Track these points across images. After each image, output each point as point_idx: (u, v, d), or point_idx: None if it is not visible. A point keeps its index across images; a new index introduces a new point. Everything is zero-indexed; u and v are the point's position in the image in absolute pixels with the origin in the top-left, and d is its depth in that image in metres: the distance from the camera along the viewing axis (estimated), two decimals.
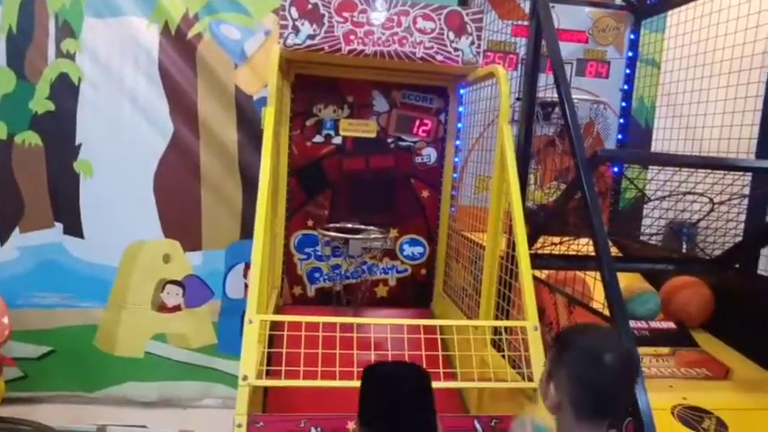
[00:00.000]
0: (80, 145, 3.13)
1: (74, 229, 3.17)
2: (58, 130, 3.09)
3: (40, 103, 3.06)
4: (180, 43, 3.11)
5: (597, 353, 1.18)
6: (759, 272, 2.33)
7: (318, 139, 2.89)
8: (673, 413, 1.76)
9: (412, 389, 1.33)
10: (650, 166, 2.55)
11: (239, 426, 1.59)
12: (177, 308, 3.30)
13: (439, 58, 2.44)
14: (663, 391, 1.86)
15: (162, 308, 3.29)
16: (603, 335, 1.33)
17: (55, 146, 3.11)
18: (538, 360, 1.81)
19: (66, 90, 3.07)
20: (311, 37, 2.36)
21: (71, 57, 3.06)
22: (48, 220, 3.16)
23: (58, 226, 3.17)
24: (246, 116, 3.20)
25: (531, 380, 1.80)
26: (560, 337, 1.31)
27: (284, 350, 1.75)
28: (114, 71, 3.10)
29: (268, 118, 2.14)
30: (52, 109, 3.07)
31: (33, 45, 3.02)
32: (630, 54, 3.18)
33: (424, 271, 3.07)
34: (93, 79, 3.09)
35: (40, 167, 3.11)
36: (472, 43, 2.46)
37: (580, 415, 1.19)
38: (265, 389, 2.28)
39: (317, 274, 3.00)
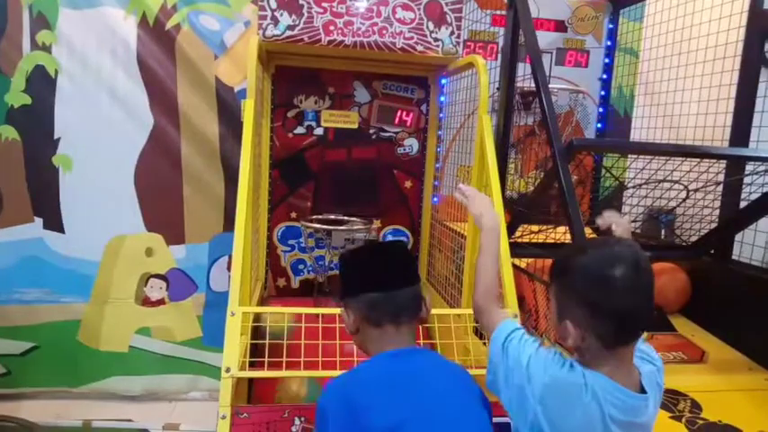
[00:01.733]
0: (59, 139, 3.09)
1: (54, 223, 3.14)
2: (36, 124, 3.05)
3: (16, 97, 3.01)
4: (158, 34, 3.07)
5: (604, 271, 1.04)
6: (733, 257, 2.38)
7: (300, 130, 2.89)
8: None
9: (397, 252, 1.38)
10: (628, 155, 2.58)
11: (223, 417, 1.60)
12: (161, 301, 3.29)
13: (419, 48, 2.44)
14: None
15: (146, 302, 3.27)
16: (604, 248, 1.11)
17: (33, 140, 3.06)
18: None
19: (42, 83, 3.02)
20: (290, 28, 2.35)
21: (47, 49, 3.01)
22: (27, 215, 3.12)
23: (38, 221, 3.13)
24: (228, 108, 3.17)
25: None
26: (558, 265, 1.17)
27: (267, 341, 1.76)
28: (92, 63, 3.05)
29: (248, 110, 2.13)
30: (29, 102, 3.02)
31: (6, 37, 2.96)
32: (609, 43, 3.21)
33: None
34: (70, 72, 3.04)
35: (18, 162, 3.06)
36: (452, 33, 2.46)
37: (608, 343, 1.07)
38: (250, 381, 2.30)
39: (300, 266, 3.01)
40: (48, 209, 3.13)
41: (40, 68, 3.01)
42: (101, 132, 3.11)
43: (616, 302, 1.04)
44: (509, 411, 1.17)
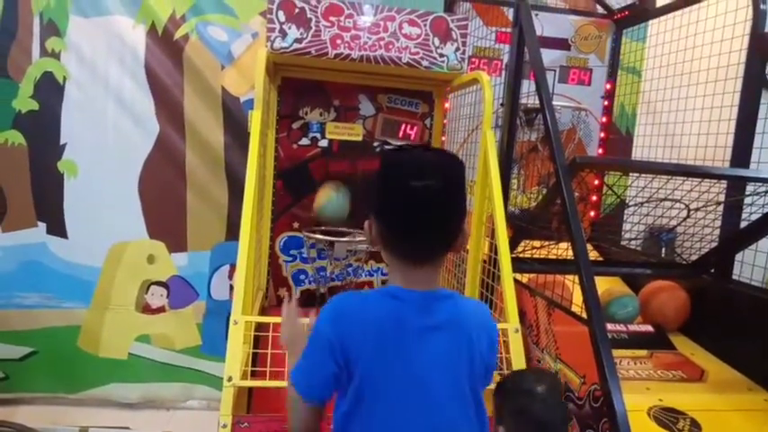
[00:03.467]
0: (65, 145, 3.11)
1: (57, 229, 3.15)
2: (42, 130, 3.07)
3: (24, 102, 3.03)
4: (166, 44, 3.11)
5: (530, 386, 1.38)
6: (733, 276, 2.40)
7: (305, 141, 2.91)
8: (648, 414, 1.81)
9: (449, 173, 1.09)
10: (629, 173, 2.60)
11: (224, 426, 1.60)
12: (161, 309, 3.29)
13: (424, 63, 2.47)
14: (639, 393, 1.91)
15: (146, 309, 3.28)
16: (533, 374, 1.52)
17: (39, 145, 3.08)
18: (519, 361, 1.85)
19: (50, 89, 3.05)
20: (298, 41, 2.38)
21: (56, 56, 3.04)
22: (31, 219, 3.14)
23: (42, 226, 3.14)
24: (233, 118, 3.20)
25: None
26: (500, 385, 1.45)
27: (269, 351, 1.77)
28: (100, 71, 3.09)
29: (255, 121, 2.15)
30: (36, 108, 3.05)
31: (17, 43, 3.00)
32: (612, 62, 3.25)
33: None
34: (78, 78, 3.07)
35: (24, 167, 3.08)
36: (457, 49, 2.49)
37: None
38: (250, 390, 2.29)
39: (302, 277, 3.01)
40: (51, 214, 3.14)
41: (48, 75, 3.04)
42: (106, 139, 3.14)
43: (534, 408, 1.34)
44: None
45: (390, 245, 1.12)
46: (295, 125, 2.89)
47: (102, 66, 3.09)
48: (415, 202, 1.05)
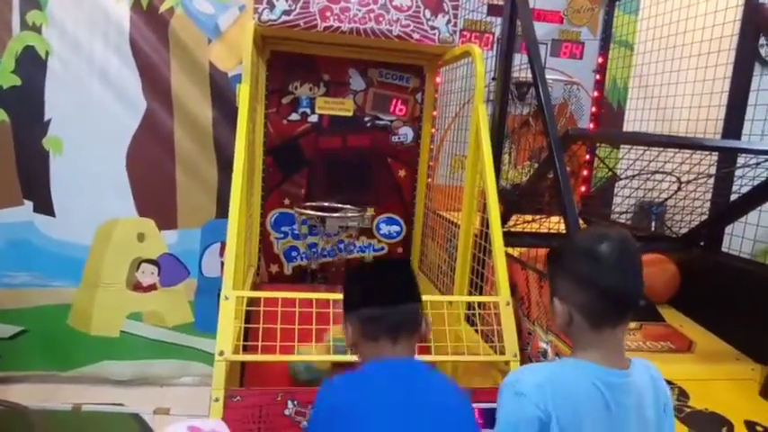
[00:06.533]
0: (49, 121, 3.05)
1: (44, 207, 3.12)
2: (26, 106, 3.01)
3: (6, 77, 2.97)
4: (151, 18, 3.04)
5: (592, 248, 1.08)
6: (723, 249, 2.41)
7: (294, 117, 2.88)
8: None
9: (399, 269, 1.38)
10: (621, 146, 2.60)
11: (216, 400, 1.60)
12: (153, 287, 3.28)
13: (415, 36, 2.43)
14: None
15: (137, 287, 3.26)
16: (594, 229, 1.27)
17: (22, 122, 3.03)
18: (510, 334, 1.87)
19: (32, 64, 2.99)
20: (286, 13, 2.33)
21: (37, 29, 2.97)
22: (17, 198, 3.09)
23: (28, 204, 3.10)
24: (221, 93, 3.16)
25: (503, 353, 1.85)
26: (553, 250, 1.21)
27: (261, 326, 1.77)
28: (84, 45, 3.02)
29: (243, 96, 2.12)
30: (18, 83, 2.98)
31: None
32: (604, 35, 3.22)
33: (400, 249, 3.10)
34: (61, 53, 3.00)
35: (7, 144, 3.03)
36: (448, 22, 2.45)
37: (594, 322, 1.09)
38: (243, 365, 2.30)
39: (293, 253, 3.00)
40: (38, 192, 3.11)
41: (30, 49, 2.98)
42: (92, 115, 3.09)
43: (600, 275, 1.07)
44: None
45: (365, 332, 1.28)
46: (285, 100, 2.85)
47: (86, 40, 3.02)
48: (377, 290, 1.29)
